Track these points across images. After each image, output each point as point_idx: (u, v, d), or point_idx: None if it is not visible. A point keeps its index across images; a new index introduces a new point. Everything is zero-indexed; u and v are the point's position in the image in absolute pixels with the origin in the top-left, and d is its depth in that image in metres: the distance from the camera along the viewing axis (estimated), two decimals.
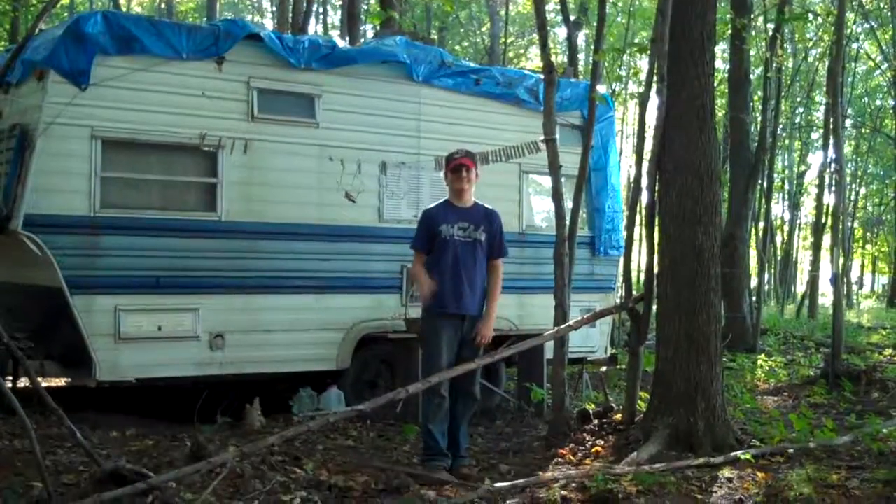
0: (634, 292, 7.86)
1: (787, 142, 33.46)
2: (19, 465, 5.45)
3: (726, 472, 6.09)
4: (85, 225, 7.54)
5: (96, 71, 7.55)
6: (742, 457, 6.38)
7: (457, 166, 6.62)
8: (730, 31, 16.64)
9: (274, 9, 27.66)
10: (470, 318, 6.58)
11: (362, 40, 16.01)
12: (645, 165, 7.68)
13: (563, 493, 5.49)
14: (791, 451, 6.64)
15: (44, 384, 5.46)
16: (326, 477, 5.71)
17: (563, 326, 7.33)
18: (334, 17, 27.90)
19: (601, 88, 9.77)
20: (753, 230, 23.22)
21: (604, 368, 10.42)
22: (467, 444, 6.84)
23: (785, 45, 21.43)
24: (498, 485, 5.67)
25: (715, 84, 8.07)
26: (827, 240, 23.57)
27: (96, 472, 4.74)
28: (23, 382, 7.87)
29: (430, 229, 6.62)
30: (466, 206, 6.68)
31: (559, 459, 6.68)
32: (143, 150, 7.89)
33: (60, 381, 8.89)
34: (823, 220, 25.06)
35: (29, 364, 5.57)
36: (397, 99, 9.04)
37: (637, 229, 10.23)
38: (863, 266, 53.34)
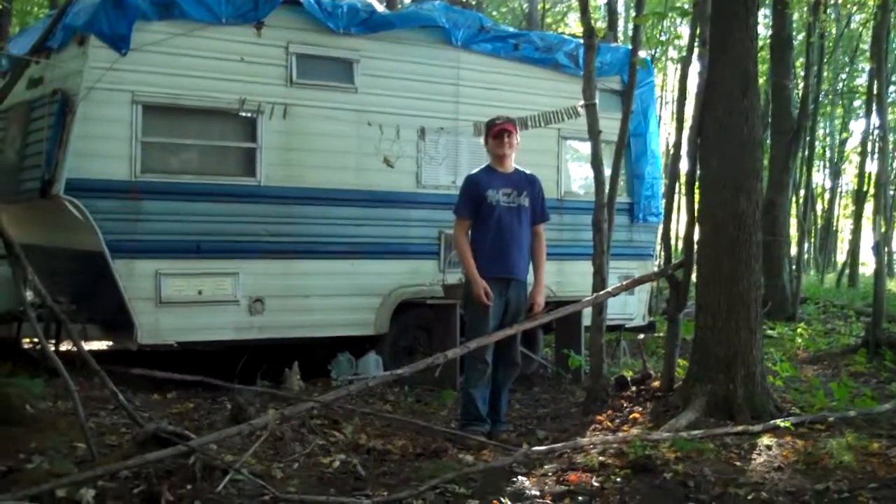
0: (673, 260, 7.81)
1: (828, 109, 33.00)
2: (63, 427, 5.52)
3: (765, 440, 6.05)
4: (126, 189, 7.60)
5: (136, 36, 7.57)
6: (781, 424, 6.33)
7: (499, 132, 6.59)
8: None
9: None
10: (516, 283, 6.57)
11: (401, 5, 15.95)
12: (685, 132, 7.60)
13: (600, 458, 5.48)
14: (831, 419, 6.58)
15: (86, 347, 5.51)
16: (365, 441, 5.74)
17: (601, 293, 7.30)
18: None
19: (641, 53, 9.66)
20: (794, 198, 22.99)
21: (642, 336, 10.38)
22: (507, 411, 6.85)
23: (828, 10, 21.08)
24: (535, 449, 5.68)
25: (757, 49, 7.96)
26: (868, 208, 23.31)
27: (139, 433, 4.78)
28: (65, 346, 7.97)
29: (476, 195, 6.60)
30: (508, 172, 6.66)
31: (596, 426, 6.67)
32: (182, 115, 7.93)
33: (102, 345, 9.00)
34: (865, 188, 24.76)
35: (71, 327, 5.63)
36: (436, 64, 9.01)
37: (676, 197, 10.16)
38: None
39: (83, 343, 5.56)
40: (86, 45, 7.49)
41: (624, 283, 7.88)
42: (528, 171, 6.80)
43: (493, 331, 6.43)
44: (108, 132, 7.56)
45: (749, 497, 4.85)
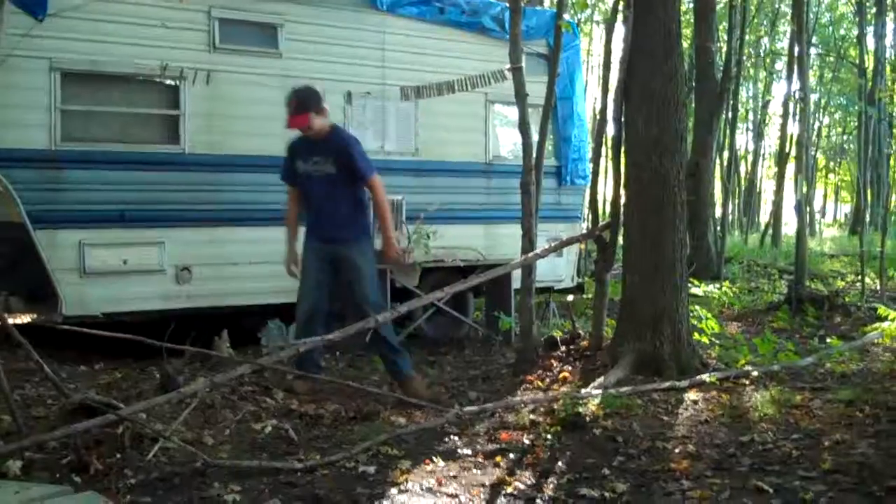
0: (600, 222, 7.89)
1: (751, 71, 33.48)
2: None
3: (692, 395, 6.18)
4: (46, 159, 7.44)
5: (53, 1, 7.38)
6: (707, 380, 6.47)
7: (289, 123, 6.50)
8: None
9: None
10: (341, 245, 6.58)
11: None
12: (611, 95, 7.66)
13: (531, 416, 5.55)
14: (755, 373, 6.74)
15: (10, 320, 5.41)
16: (297, 406, 5.74)
17: (530, 255, 7.35)
18: None
19: (567, 17, 9.69)
20: (718, 160, 23.34)
21: (571, 297, 10.49)
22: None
23: None
24: (467, 409, 5.73)
25: (680, 12, 8.04)
26: (791, 169, 23.71)
27: (65, 404, 4.72)
28: None
29: (290, 164, 6.65)
30: (319, 139, 6.57)
31: (527, 385, 6.75)
32: (103, 82, 7.77)
33: (26, 318, 8.83)
34: (787, 150, 25.19)
35: None
36: (361, 28, 8.94)
37: (603, 160, 10.23)
38: (825, 195, 53.85)
39: (6, 316, 5.45)
40: (1, 11, 7.26)
41: (552, 244, 7.94)
42: (344, 134, 6.75)
43: (319, 290, 6.58)
44: (27, 100, 7.38)
45: (676, 450, 4.96)
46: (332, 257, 6.61)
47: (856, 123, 38.54)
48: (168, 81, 7.99)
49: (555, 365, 7.16)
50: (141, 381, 6.39)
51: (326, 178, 6.56)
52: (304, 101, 6.48)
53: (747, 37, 24.39)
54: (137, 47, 7.79)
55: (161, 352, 5.56)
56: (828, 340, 8.64)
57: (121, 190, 7.72)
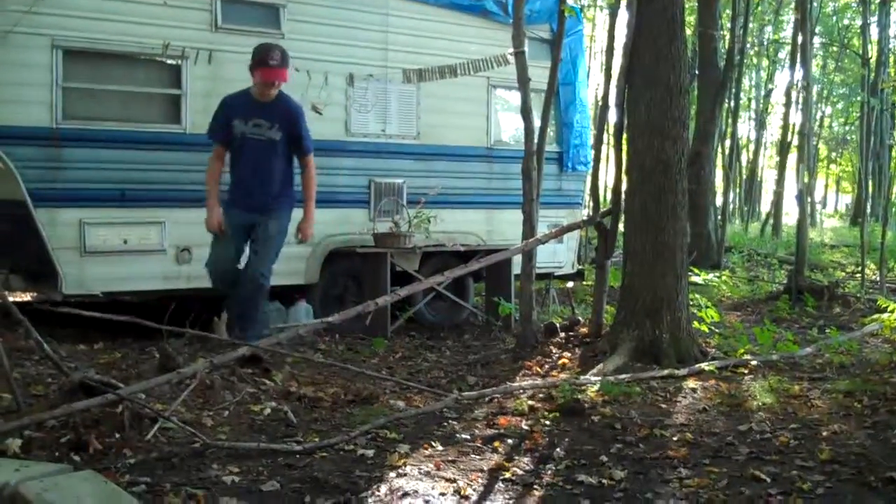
0: (601, 208, 7.89)
1: (754, 60, 33.40)
2: None
3: (690, 383, 6.19)
4: (47, 136, 7.40)
5: None
6: (706, 368, 6.48)
7: (270, 79, 6.48)
8: None
9: None
10: (264, 216, 6.62)
11: None
12: (613, 81, 7.65)
13: (530, 402, 5.56)
14: (754, 363, 6.75)
15: (10, 298, 5.40)
16: (296, 388, 5.73)
17: (531, 240, 7.35)
18: None
19: (570, 1, 9.65)
20: (720, 148, 23.30)
21: (571, 284, 10.49)
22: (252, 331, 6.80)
23: None
24: (466, 394, 5.74)
25: None
26: (792, 158, 23.67)
27: (65, 383, 4.71)
28: None
29: (224, 121, 6.58)
30: (266, 101, 6.54)
31: (526, 371, 6.75)
32: (105, 60, 7.72)
33: (26, 296, 8.82)
34: (789, 139, 25.15)
35: None
36: (364, 10, 8.89)
37: (605, 147, 10.23)
38: (826, 185, 53.82)
39: (6, 293, 5.44)
40: None
41: (553, 230, 7.93)
42: (293, 102, 6.74)
43: (235, 255, 6.64)
44: (28, 78, 7.33)
45: (675, 438, 4.96)
46: (250, 224, 6.62)
47: (858, 114, 38.55)
48: (170, 61, 7.95)
49: (554, 351, 7.17)
50: (140, 362, 6.39)
51: (268, 143, 6.52)
52: (285, 56, 6.49)
53: (751, 25, 24.31)
54: (139, 26, 7.75)
55: (161, 332, 5.58)
56: (827, 331, 8.64)
57: (122, 169, 7.69)
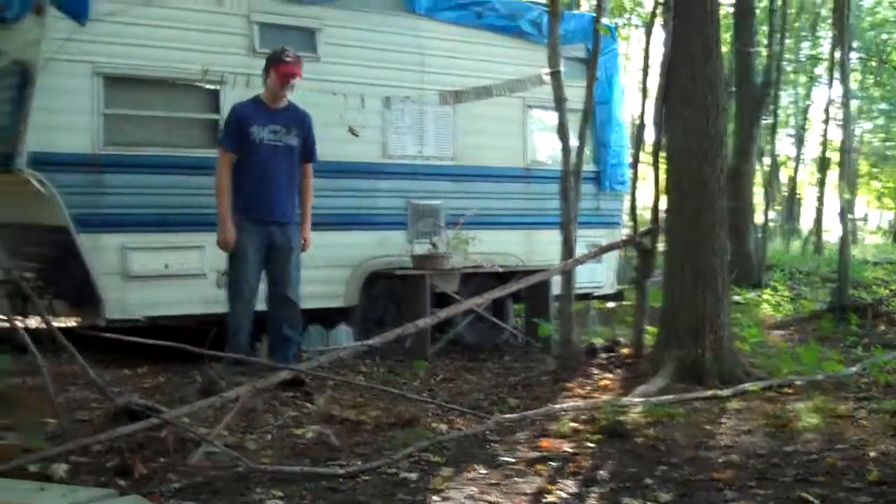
0: (640, 229, 7.84)
1: (792, 76, 33.17)
2: (33, 403, 5.46)
3: (734, 404, 6.12)
4: (88, 163, 7.49)
5: (96, 5, 7.43)
6: (750, 388, 6.40)
7: (287, 75, 6.45)
8: None
9: None
10: (281, 226, 6.58)
11: None
12: (650, 100, 7.62)
13: (572, 424, 5.51)
14: (799, 382, 6.67)
15: (54, 324, 5.44)
16: (338, 412, 5.73)
17: (569, 261, 7.32)
18: None
19: (605, 20, 9.64)
20: (759, 165, 23.14)
21: (610, 304, 10.43)
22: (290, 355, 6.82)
23: None
24: (507, 416, 5.70)
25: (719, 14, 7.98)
26: (833, 175, 23.48)
27: (109, 407, 4.75)
28: (33, 323, 7.87)
29: (240, 129, 6.53)
30: (279, 108, 6.53)
31: (567, 393, 6.71)
32: (144, 86, 7.82)
33: (70, 322, 8.90)
34: (828, 156, 24.91)
35: (38, 303, 5.55)
36: (399, 32, 8.94)
37: (642, 166, 10.18)
38: (868, 202, 53.19)
39: (51, 319, 5.49)
40: (44, 16, 7.35)
41: (591, 251, 7.90)
42: (300, 107, 6.73)
43: (255, 274, 6.56)
44: (69, 104, 7.43)
45: (720, 460, 4.90)
46: (268, 241, 6.59)
47: None
48: (208, 86, 8.03)
49: (595, 372, 7.13)
50: (183, 386, 6.42)
51: (287, 150, 6.54)
52: (298, 55, 6.52)
53: (787, 41, 24.18)
54: (178, 51, 7.83)
55: (203, 356, 5.60)
56: (872, 349, 8.52)
57: (162, 194, 7.76)
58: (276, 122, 6.48)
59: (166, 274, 7.80)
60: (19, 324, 5.35)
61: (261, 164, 6.46)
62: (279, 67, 6.57)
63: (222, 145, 6.51)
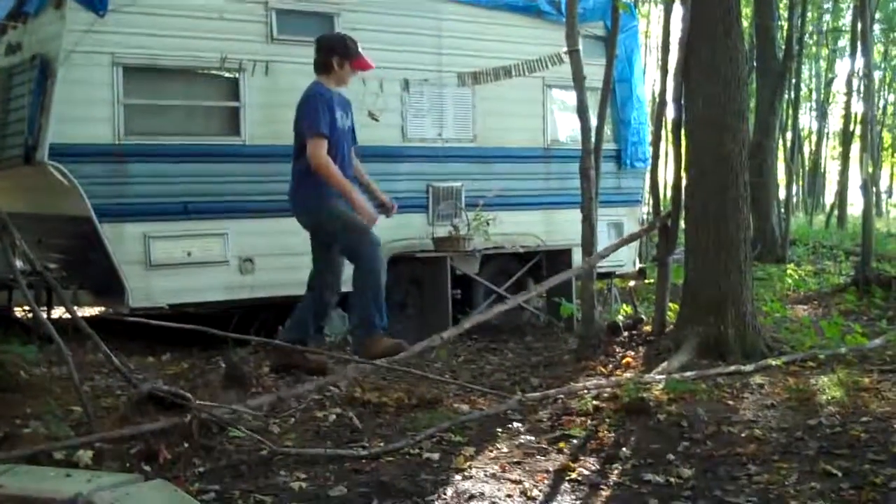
0: (661, 206, 7.82)
1: (813, 49, 32.89)
2: (58, 391, 5.53)
3: (757, 379, 6.10)
4: (110, 153, 7.55)
5: None
6: (773, 363, 6.38)
7: (365, 68, 6.65)
8: None
9: None
10: None
11: None
12: (670, 76, 7.58)
13: (594, 402, 5.52)
14: (822, 356, 6.64)
15: (78, 312, 5.50)
16: (360, 394, 5.76)
17: (593, 257, 7.30)
18: None
19: None
20: (781, 140, 22.99)
21: (632, 282, 10.42)
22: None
23: None
24: (530, 395, 5.72)
25: None
26: (855, 148, 23.30)
27: (134, 394, 4.80)
28: (57, 313, 7.96)
29: (331, 114, 6.41)
30: (339, 93, 6.61)
31: (590, 371, 6.71)
32: (164, 75, 7.86)
33: (94, 311, 8.99)
34: (851, 129, 24.74)
35: (62, 293, 5.61)
36: (417, 15, 8.94)
37: (663, 143, 10.14)
38: (892, 175, 52.75)
39: (75, 308, 5.55)
40: (63, 8, 7.39)
41: (615, 242, 7.89)
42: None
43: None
44: (90, 95, 7.48)
45: (743, 434, 4.90)
46: None
47: None
48: (227, 74, 8.07)
49: (617, 350, 7.12)
50: (207, 371, 6.47)
51: (350, 133, 6.62)
52: None
53: (809, 14, 23.95)
54: (196, 40, 7.86)
55: (226, 341, 5.65)
56: None
57: (184, 182, 7.82)
58: (344, 107, 6.55)
59: (189, 262, 7.86)
60: (44, 314, 5.39)
61: (340, 148, 6.47)
62: (357, 62, 6.59)
63: (320, 132, 6.32)
